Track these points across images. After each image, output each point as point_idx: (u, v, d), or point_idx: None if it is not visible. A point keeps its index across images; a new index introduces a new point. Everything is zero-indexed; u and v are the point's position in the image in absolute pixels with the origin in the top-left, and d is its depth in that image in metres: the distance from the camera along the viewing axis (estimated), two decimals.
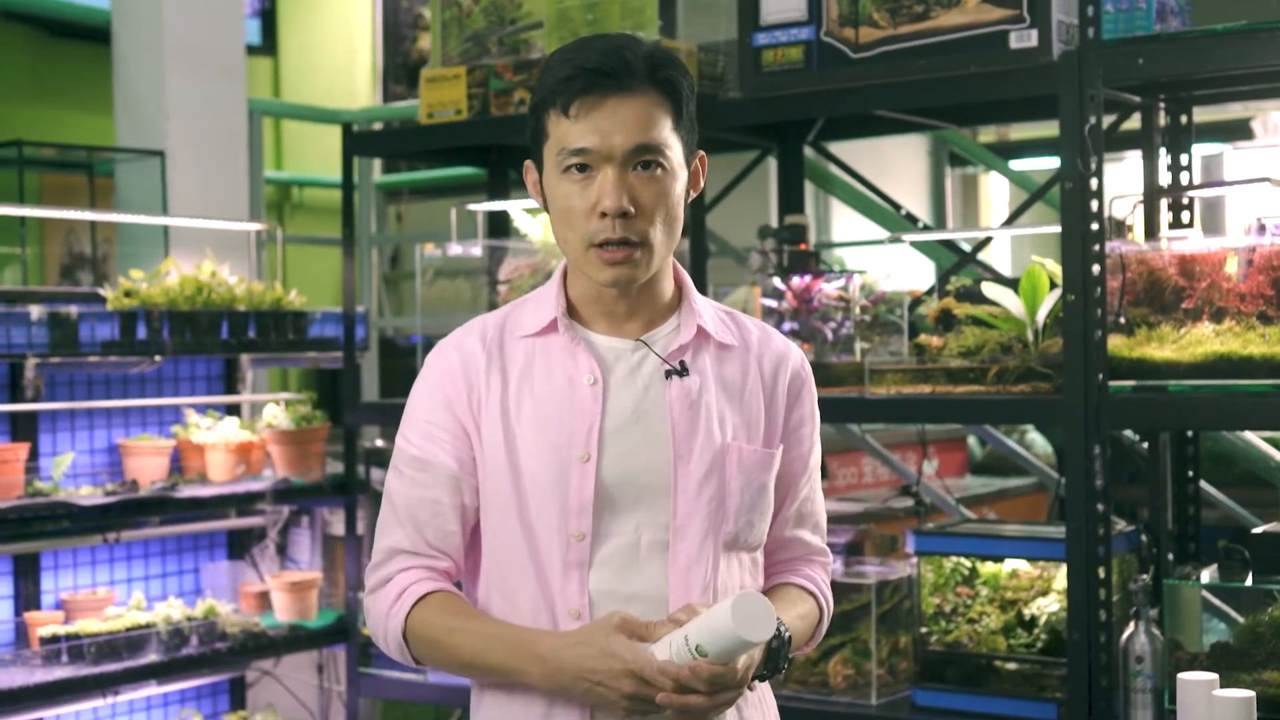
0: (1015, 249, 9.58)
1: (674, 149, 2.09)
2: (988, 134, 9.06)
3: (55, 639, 4.37)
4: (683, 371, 2.14)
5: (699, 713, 1.95)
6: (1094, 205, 3.32)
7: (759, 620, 1.91)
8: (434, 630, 2.10)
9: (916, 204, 8.32)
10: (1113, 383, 3.30)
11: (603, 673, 1.95)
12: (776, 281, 3.95)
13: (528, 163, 2.19)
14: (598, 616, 2.06)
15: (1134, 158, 3.84)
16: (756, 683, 2.08)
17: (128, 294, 4.67)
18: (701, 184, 2.20)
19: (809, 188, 6.55)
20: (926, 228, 5.39)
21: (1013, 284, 3.63)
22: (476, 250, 4.80)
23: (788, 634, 2.07)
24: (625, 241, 2.06)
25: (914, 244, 5.51)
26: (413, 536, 2.15)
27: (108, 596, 4.74)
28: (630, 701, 1.95)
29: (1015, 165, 7.82)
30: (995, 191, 10.38)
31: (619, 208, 2.04)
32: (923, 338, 3.72)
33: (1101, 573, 3.32)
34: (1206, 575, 3.34)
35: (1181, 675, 2.48)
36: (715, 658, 1.92)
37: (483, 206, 4.98)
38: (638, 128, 2.05)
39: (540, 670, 2.01)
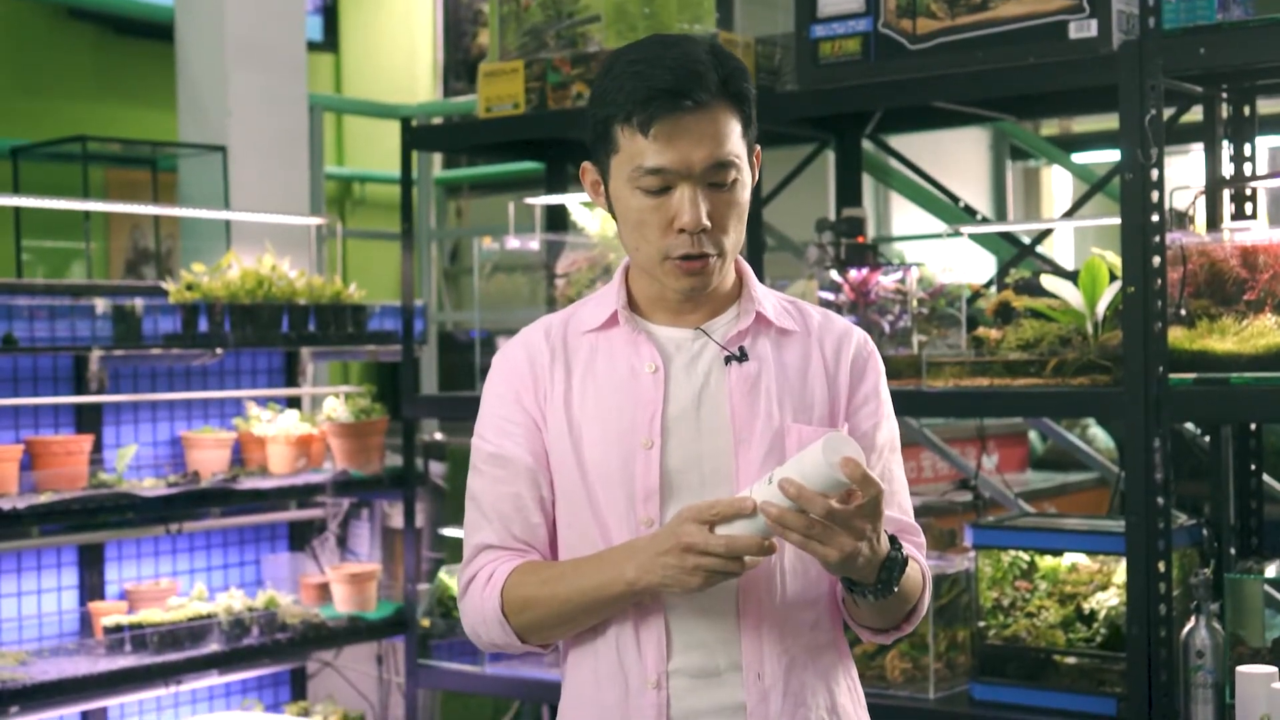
0: (1079, 242, 9.52)
1: (743, 156, 2.11)
2: (1050, 127, 8.99)
3: (119, 629, 4.42)
4: (742, 357, 2.16)
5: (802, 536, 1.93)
6: (1154, 196, 3.29)
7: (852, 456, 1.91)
8: (528, 588, 2.12)
9: (978, 198, 8.27)
10: (1173, 375, 3.27)
11: (667, 539, 1.97)
12: (834, 274, 3.94)
13: (586, 164, 2.19)
14: (672, 606, 2.11)
15: (1200, 150, 3.80)
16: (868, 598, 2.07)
17: (189, 287, 4.72)
18: (756, 175, 2.21)
19: (869, 181, 6.54)
20: (985, 220, 5.37)
21: (1072, 276, 3.61)
22: (534, 244, 4.82)
23: (904, 555, 2.06)
24: (703, 255, 2.08)
25: (975, 238, 5.49)
26: (500, 532, 2.19)
27: (170, 587, 4.79)
28: (692, 556, 1.95)
29: (1078, 158, 7.76)
30: (1058, 185, 10.31)
31: (698, 224, 2.06)
32: (981, 330, 3.70)
33: (1162, 567, 3.29)
34: (1270, 570, 3.31)
35: (1240, 668, 2.47)
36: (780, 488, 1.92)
37: (540, 200, 4.99)
38: (714, 143, 2.06)
39: (634, 563, 2.02)
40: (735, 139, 2.08)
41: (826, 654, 2.18)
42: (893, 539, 2.05)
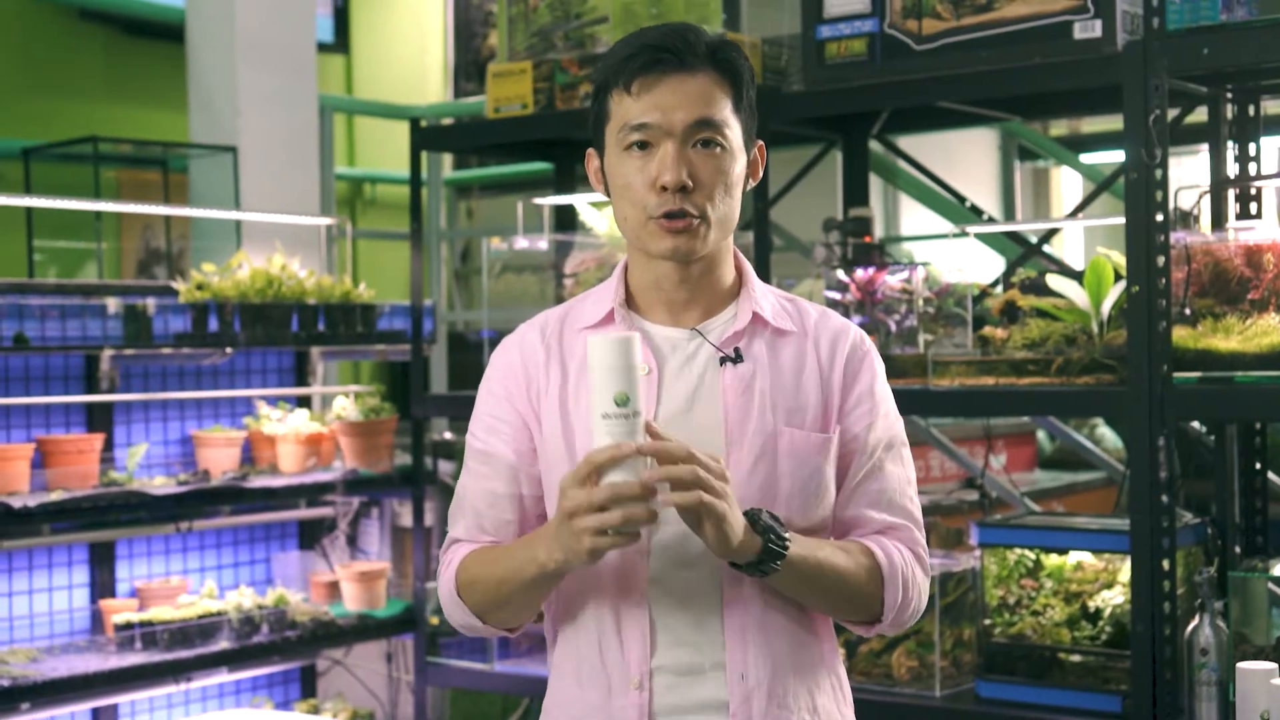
0: (1088, 242, 9.51)
1: (733, 129, 2.12)
2: (1059, 127, 9.00)
3: (129, 626, 4.44)
4: (736, 358, 2.16)
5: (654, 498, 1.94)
6: (1158, 196, 3.30)
7: (612, 336, 1.93)
8: (472, 570, 2.16)
9: (987, 198, 8.27)
10: (1177, 374, 3.29)
11: (559, 512, 1.97)
12: (840, 274, 3.95)
13: (589, 150, 2.22)
14: (656, 602, 2.11)
15: (1207, 150, 3.81)
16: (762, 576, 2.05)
17: (200, 287, 4.74)
18: (760, 173, 2.22)
19: (877, 182, 6.55)
20: (991, 220, 5.38)
21: (1078, 276, 3.62)
22: (543, 244, 4.84)
23: (770, 517, 2.03)
24: (684, 213, 2.09)
25: (982, 237, 5.49)
26: (470, 526, 2.22)
27: (181, 585, 4.81)
28: (581, 516, 1.93)
29: (1086, 158, 7.77)
30: (1067, 185, 10.31)
31: (678, 181, 2.07)
32: (987, 330, 3.72)
33: (1166, 565, 3.30)
34: (1275, 568, 3.32)
35: (1241, 664, 2.48)
36: (609, 399, 1.92)
37: (549, 200, 5.01)
38: (698, 103, 2.08)
39: (543, 543, 2.01)
40: (723, 107, 2.10)
41: (810, 655, 2.17)
42: (749, 513, 2.03)
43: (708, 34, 2.13)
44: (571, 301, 2.28)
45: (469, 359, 7.38)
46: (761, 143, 2.21)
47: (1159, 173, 3.30)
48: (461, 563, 2.18)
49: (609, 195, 2.18)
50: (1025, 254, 4.50)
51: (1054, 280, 3.63)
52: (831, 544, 2.14)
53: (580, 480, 1.93)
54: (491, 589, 2.13)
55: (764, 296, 2.22)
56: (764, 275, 3.87)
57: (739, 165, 2.14)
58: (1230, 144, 3.76)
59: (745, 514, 2.03)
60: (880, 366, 2.26)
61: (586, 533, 1.92)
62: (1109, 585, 3.55)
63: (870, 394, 2.22)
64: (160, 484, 4.58)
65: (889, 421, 2.24)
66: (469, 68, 9.00)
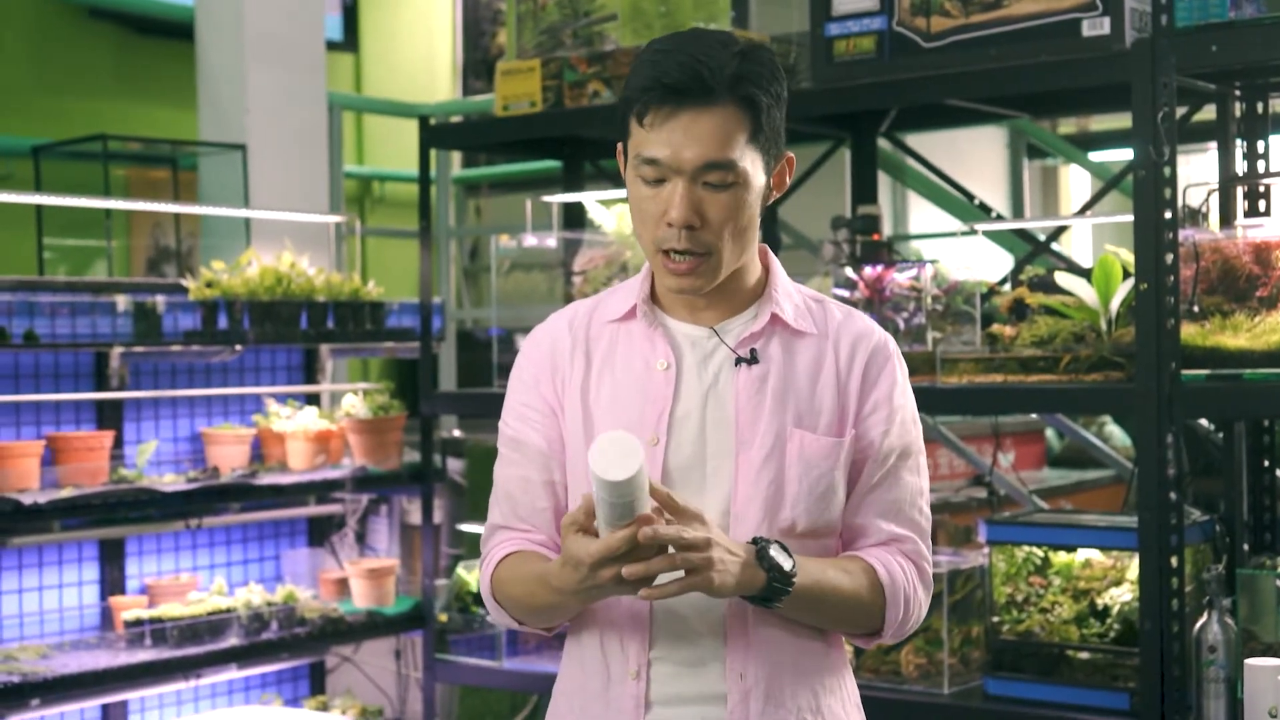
0: (1096, 240, 9.51)
1: (748, 161, 2.08)
2: (1068, 125, 8.99)
3: (139, 623, 4.45)
4: (752, 359, 2.16)
5: (661, 573, 1.95)
6: (1167, 193, 3.30)
7: (623, 456, 1.88)
8: (507, 585, 2.18)
9: (995, 196, 8.27)
10: (1186, 371, 3.28)
11: (581, 578, 1.97)
12: (849, 272, 3.96)
13: (620, 145, 2.20)
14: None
15: (1216, 148, 3.81)
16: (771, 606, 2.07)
17: (209, 285, 4.75)
18: (786, 184, 2.19)
19: (886, 180, 6.55)
20: (999, 218, 5.38)
21: (1087, 273, 3.62)
22: (551, 242, 4.85)
23: (779, 548, 2.04)
24: (690, 252, 2.08)
25: (991, 235, 5.50)
26: (506, 513, 2.24)
27: (190, 581, 4.82)
28: (616, 585, 1.96)
29: (1095, 156, 7.77)
30: (1076, 183, 10.31)
31: (684, 220, 2.06)
32: (995, 327, 3.72)
33: (1174, 562, 3.30)
34: None
35: (1249, 661, 2.48)
36: (610, 509, 1.91)
37: (558, 198, 5.02)
38: (710, 144, 2.04)
39: (570, 599, 2.05)
40: (738, 144, 2.06)
41: (814, 658, 2.17)
42: (755, 540, 2.05)
43: (733, 53, 2.06)
44: (604, 293, 2.29)
45: (478, 357, 7.39)
46: (790, 155, 2.18)
47: (1167, 170, 3.30)
48: (496, 569, 2.19)
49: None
50: (1033, 251, 4.50)
51: (1062, 278, 3.63)
52: (835, 565, 2.14)
53: (577, 529, 1.97)
54: (523, 600, 2.16)
55: (787, 297, 2.21)
56: None
57: (754, 193, 2.10)
58: (1239, 141, 3.76)
59: (753, 542, 2.04)
60: (903, 373, 2.25)
61: (610, 579, 1.95)
62: (1117, 583, 3.55)
63: (888, 400, 2.21)
64: (170, 481, 4.59)
65: (905, 429, 2.23)
66: (478, 66, 9.01)
